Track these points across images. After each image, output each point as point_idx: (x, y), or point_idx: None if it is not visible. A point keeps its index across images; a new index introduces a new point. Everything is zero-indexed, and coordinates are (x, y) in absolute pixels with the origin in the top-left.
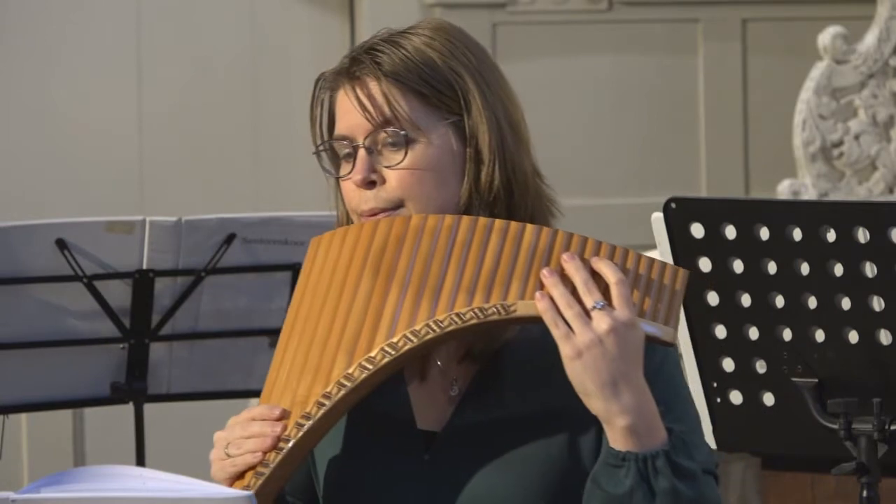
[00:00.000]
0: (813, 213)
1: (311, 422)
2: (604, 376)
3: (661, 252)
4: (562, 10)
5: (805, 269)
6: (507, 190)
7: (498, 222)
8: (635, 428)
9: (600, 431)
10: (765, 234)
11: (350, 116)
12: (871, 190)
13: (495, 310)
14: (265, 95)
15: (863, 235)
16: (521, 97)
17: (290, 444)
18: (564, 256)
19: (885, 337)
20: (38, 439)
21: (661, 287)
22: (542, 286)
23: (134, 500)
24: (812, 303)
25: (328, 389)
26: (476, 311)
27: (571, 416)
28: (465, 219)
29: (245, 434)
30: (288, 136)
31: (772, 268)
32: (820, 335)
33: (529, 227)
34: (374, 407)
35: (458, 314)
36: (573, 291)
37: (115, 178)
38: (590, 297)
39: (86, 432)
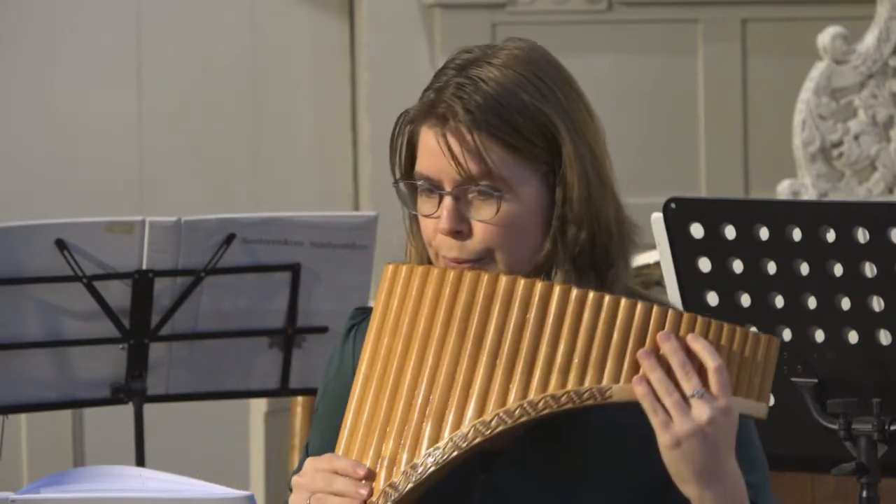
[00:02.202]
0: (813, 214)
1: (398, 493)
2: (700, 465)
3: (661, 252)
4: (561, 11)
5: (805, 269)
6: (591, 242)
7: (592, 296)
8: None
9: (664, 481)
10: (764, 234)
11: (437, 160)
12: (870, 190)
13: (591, 394)
14: (265, 95)
15: (862, 235)
16: None
17: None
18: (660, 336)
19: (884, 337)
20: (38, 439)
21: (753, 361)
22: (637, 367)
23: (134, 500)
24: (812, 303)
25: (417, 461)
26: (572, 394)
27: (634, 462)
28: (558, 289)
29: (329, 489)
30: (288, 136)
31: (771, 268)
32: (820, 335)
33: (624, 303)
34: None
35: (553, 397)
36: (668, 372)
37: (115, 178)
38: (688, 384)
39: (86, 432)
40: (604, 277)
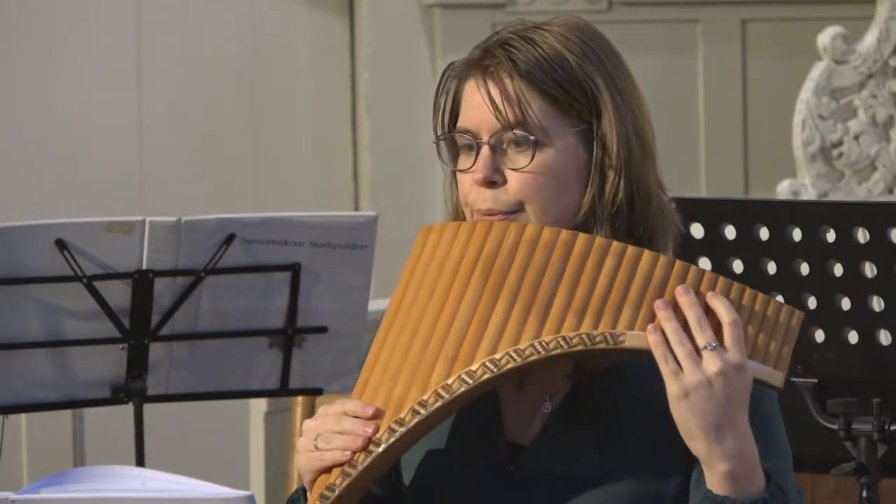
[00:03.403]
0: (813, 213)
1: (403, 428)
2: (709, 419)
3: None
4: (561, 11)
5: (805, 269)
6: (629, 203)
7: (615, 245)
8: (735, 473)
9: (688, 465)
10: (765, 234)
11: (478, 111)
12: (870, 190)
13: (603, 338)
14: (265, 95)
15: (862, 235)
16: None
17: (381, 449)
18: (679, 289)
19: (884, 337)
20: (38, 439)
21: (774, 328)
22: (653, 318)
23: (134, 500)
24: (812, 303)
25: (425, 397)
26: (584, 336)
27: (661, 447)
28: (582, 236)
29: (336, 429)
30: (288, 136)
31: (772, 268)
32: (820, 335)
33: (646, 254)
34: (464, 412)
35: (564, 338)
36: (684, 327)
37: (115, 178)
38: (702, 336)
39: (86, 432)
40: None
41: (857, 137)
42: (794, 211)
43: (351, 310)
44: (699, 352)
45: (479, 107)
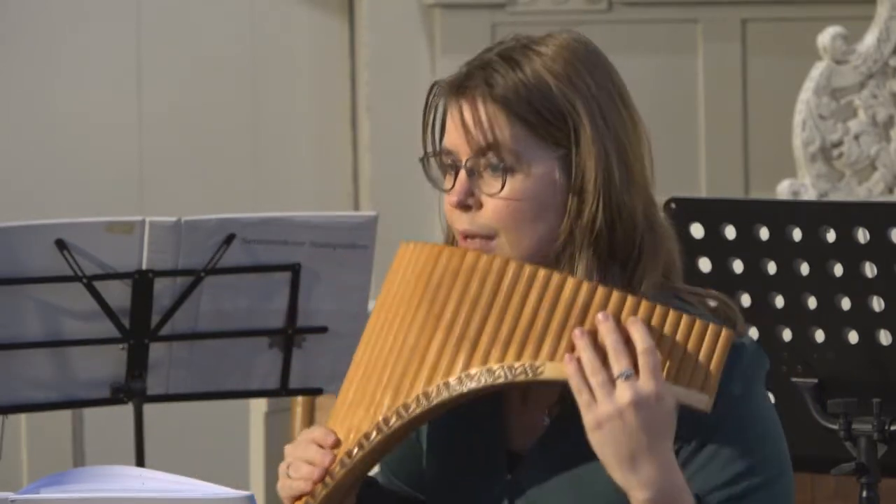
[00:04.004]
0: (813, 213)
1: (351, 461)
2: (622, 450)
3: None
4: (561, 11)
5: (805, 269)
6: (610, 228)
7: (542, 272)
8: (655, 502)
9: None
10: (765, 234)
11: (455, 133)
12: (871, 190)
13: (523, 370)
14: (265, 95)
15: (863, 235)
16: None
17: (334, 482)
18: (598, 316)
19: (885, 337)
20: (38, 439)
21: (698, 350)
22: (574, 347)
23: (134, 500)
24: (812, 303)
25: (368, 430)
26: (505, 369)
27: None
28: (513, 264)
29: (303, 457)
30: (288, 136)
31: (772, 268)
32: (820, 335)
33: (570, 282)
34: (471, 422)
35: (489, 370)
36: (604, 354)
37: (115, 178)
38: (617, 364)
39: (85, 432)
40: (632, 273)
41: (857, 137)
42: (794, 211)
43: (351, 310)
44: (614, 380)
45: (456, 129)
